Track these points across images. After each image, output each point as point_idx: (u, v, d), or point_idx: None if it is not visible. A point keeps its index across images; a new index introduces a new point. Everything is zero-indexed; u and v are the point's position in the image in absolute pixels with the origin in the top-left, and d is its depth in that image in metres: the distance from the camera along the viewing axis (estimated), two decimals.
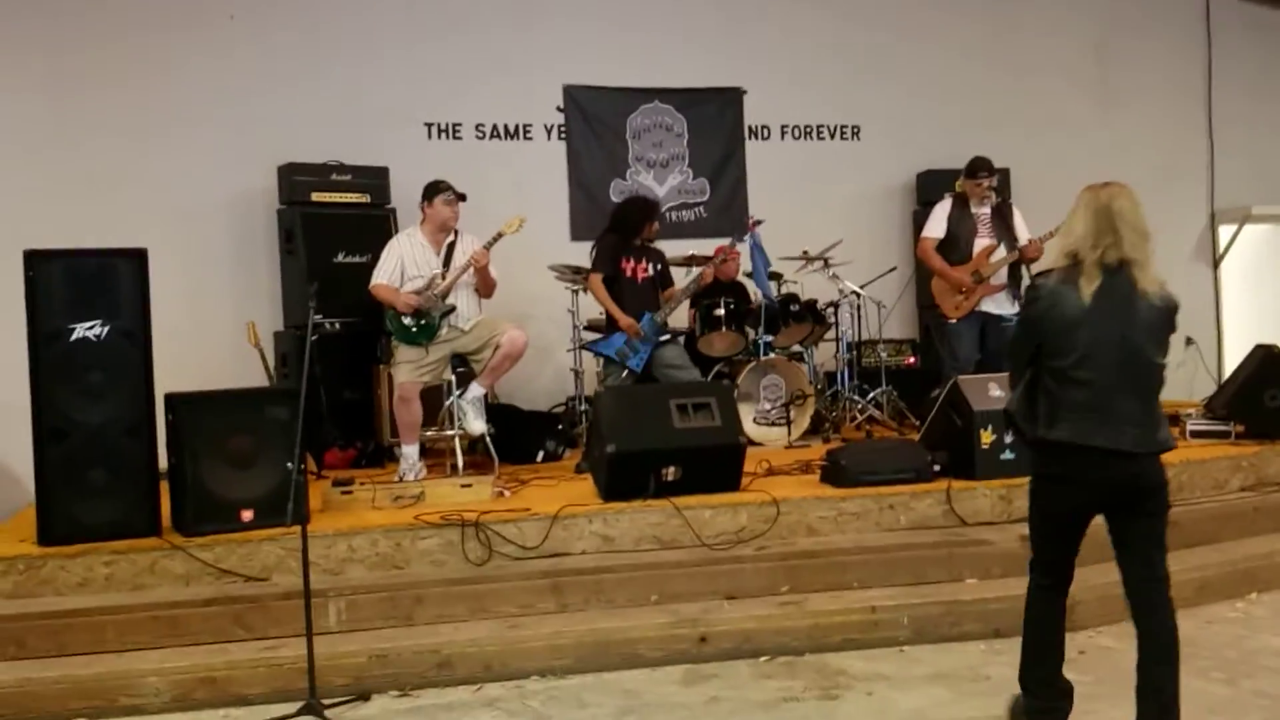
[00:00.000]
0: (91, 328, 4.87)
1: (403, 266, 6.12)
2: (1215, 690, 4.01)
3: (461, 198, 6.18)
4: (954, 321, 7.01)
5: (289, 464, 4.20)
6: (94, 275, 4.92)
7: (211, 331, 7.41)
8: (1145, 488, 3.39)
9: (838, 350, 7.93)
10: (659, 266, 6.73)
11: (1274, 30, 10.16)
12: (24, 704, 4.23)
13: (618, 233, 6.64)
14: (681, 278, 7.35)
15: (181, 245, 7.37)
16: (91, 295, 4.89)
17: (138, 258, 5.01)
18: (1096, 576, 4.17)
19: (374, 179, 7.78)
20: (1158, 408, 3.42)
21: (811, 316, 7.59)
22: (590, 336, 7.62)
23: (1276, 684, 4.15)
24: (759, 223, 7.26)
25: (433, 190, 6.15)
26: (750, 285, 7.69)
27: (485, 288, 6.19)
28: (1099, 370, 3.33)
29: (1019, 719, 3.68)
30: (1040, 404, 3.45)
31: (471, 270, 6.05)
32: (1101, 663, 4.27)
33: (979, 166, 6.97)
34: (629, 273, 6.53)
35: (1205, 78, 9.95)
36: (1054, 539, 3.53)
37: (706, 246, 7.87)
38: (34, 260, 4.87)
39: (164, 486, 5.11)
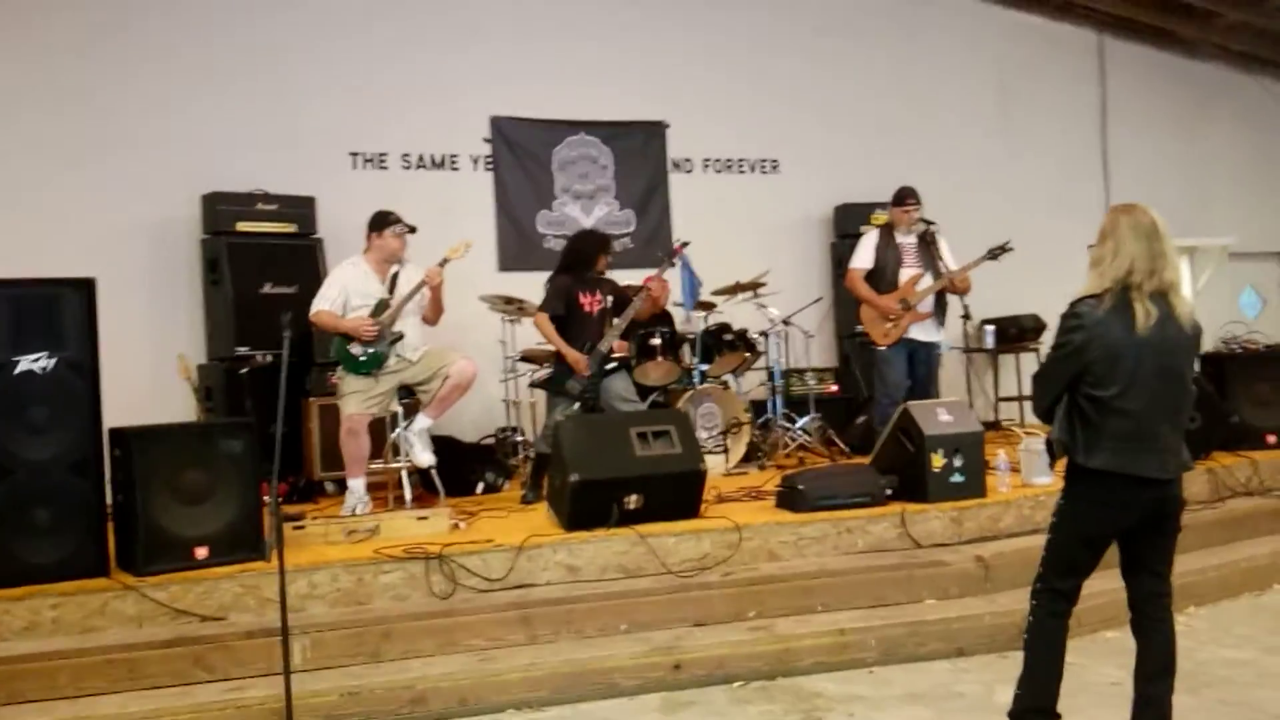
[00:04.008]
0: (37, 360, 4.67)
1: (347, 295, 6.00)
2: (1179, 700, 4.14)
3: (411, 230, 6.10)
4: (884, 349, 7.17)
5: (265, 497, 4.07)
6: (39, 305, 4.72)
7: (129, 364, 7.09)
8: (1173, 508, 3.50)
9: (770, 379, 8.03)
10: (613, 297, 6.68)
11: (1163, 68, 10.74)
12: None
13: (571, 270, 6.56)
14: None
15: (98, 273, 7.03)
16: (36, 326, 4.69)
17: (85, 287, 4.84)
18: None
19: (300, 208, 7.66)
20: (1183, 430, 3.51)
21: (744, 345, 7.70)
22: (525, 367, 7.61)
23: (1235, 692, 4.35)
24: (685, 245, 7.30)
25: (382, 221, 6.06)
26: (680, 314, 7.77)
27: (434, 312, 6.12)
28: (1141, 400, 3.34)
29: None
30: (1077, 431, 3.43)
31: (419, 297, 5.99)
32: (1068, 678, 4.38)
33: (906, 194, 7.17)
34: (586, 307, 6.46)
35: (1099, 114, 10.44)
36: (1082, 562, 3.56)
37: (634, 276, 7.89)
38: None
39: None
